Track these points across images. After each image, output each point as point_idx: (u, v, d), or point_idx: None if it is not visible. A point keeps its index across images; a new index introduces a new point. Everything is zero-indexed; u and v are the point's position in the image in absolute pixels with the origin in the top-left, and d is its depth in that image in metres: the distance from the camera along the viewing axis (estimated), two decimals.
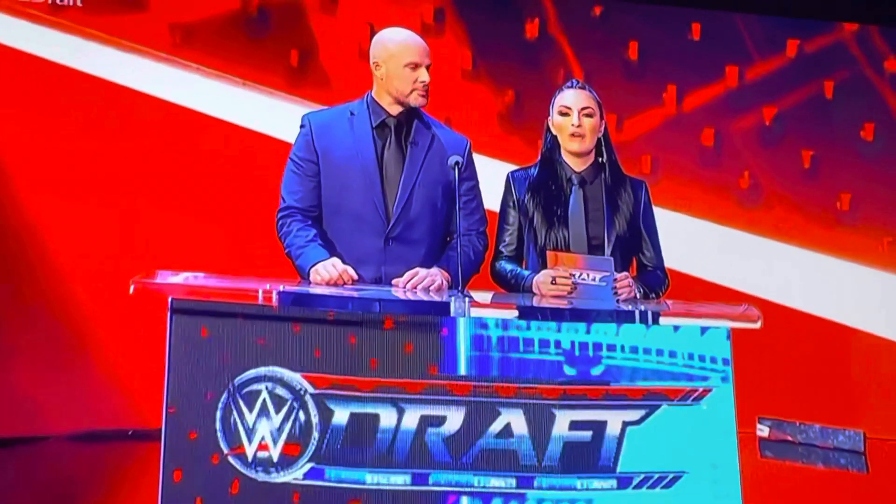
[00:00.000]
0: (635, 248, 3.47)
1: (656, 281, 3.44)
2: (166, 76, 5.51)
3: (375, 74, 3.38)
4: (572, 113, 3.39)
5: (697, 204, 6.09)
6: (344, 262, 3.21)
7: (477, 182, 3.51)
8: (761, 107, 6.23)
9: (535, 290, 3.25)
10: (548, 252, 3.21)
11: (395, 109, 3.38)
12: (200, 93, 5.53)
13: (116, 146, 5.41)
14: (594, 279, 3.12)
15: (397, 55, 3.33)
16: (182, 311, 2.76)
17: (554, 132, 3.46)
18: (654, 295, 3.38)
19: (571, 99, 3.41)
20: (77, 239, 5.35)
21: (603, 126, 3.45)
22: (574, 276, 3.14)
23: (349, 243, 3.32)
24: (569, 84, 3.46)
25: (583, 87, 3.44)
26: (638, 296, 3.25)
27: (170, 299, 2.76)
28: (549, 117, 3.48)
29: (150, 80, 5.48)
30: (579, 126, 3.37)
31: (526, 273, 3.36)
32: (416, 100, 3.34)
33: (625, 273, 3.24)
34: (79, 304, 5.36)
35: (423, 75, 3.33)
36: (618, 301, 3.15)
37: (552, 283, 3.16)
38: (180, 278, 2.95)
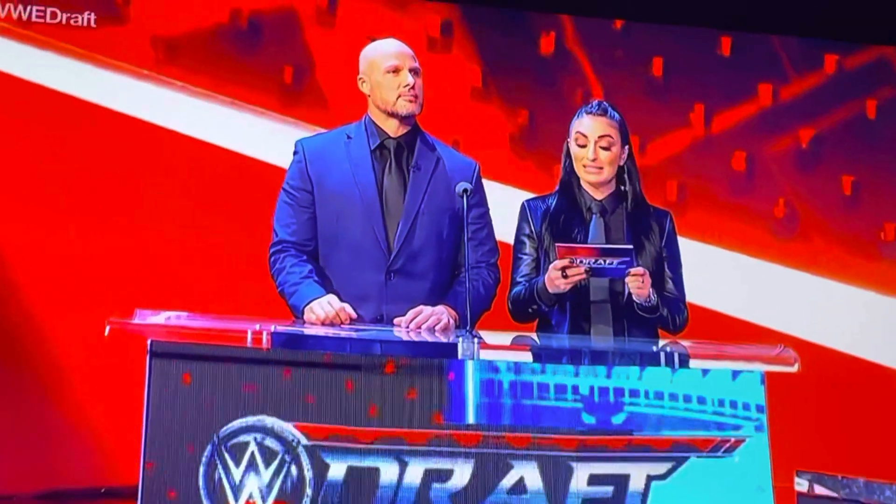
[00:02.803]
0: (660, 283, 3.46)
1: (675, 307, 3.43)
2: (148, 95, 5.53)
3: (364, 92, 3.41)
4: (589, 144, 3.40)
5: (728, 234, 6.09)
6: (342, 299, 3.19)
7: (487, 209, 3.50)
8: (797, 128, 6.24)
9: (549, 287, 3.25)
10: (558, 246, 3.20)
11: (393, 128, 3.37)
12: (185, 113, 5.55)
13: (92, 171, 5.41)
14: (611, 263, 3.13)
15: (376, 63, 3.36)
16: (162, 354, 2.73)
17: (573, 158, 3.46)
18: (668, 317, 3.38)
19: (589, 128, 3.41)
20: (46, 274, 5.32)
21: (626, 152, 3.45)
22: (586, 262, 3.13)
23: (347, 278, 3.30)
24: (588, 108, 3.45)
25: (603, 113, 3.42)
26: (653, 296, 3.26)
27: (149, 342, 2.73)
28: (569, 140, 3.49)
29: (130, 100, 5.50)
30: (595, 160, 3.38)
31: (537, 279, 3.37)
32: (404, 107, 3.33)
33: (644, 269, 3.24)
34: (48, 347, 5.31)
35: (407, 78, 3.32)
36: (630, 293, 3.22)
37: (563, 277, 3.16)
38: (161, 318, 2.92)
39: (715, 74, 6.20)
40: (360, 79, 3.40)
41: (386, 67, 3.33)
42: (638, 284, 3.21)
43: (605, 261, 3.11)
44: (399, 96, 3.32)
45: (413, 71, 3.34)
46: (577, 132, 3.42)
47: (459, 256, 3.36)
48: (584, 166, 3.41)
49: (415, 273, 3.32)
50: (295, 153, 3.42)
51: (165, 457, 2.69)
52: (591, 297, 3.35)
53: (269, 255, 3.36)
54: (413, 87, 3.32)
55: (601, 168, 3.40)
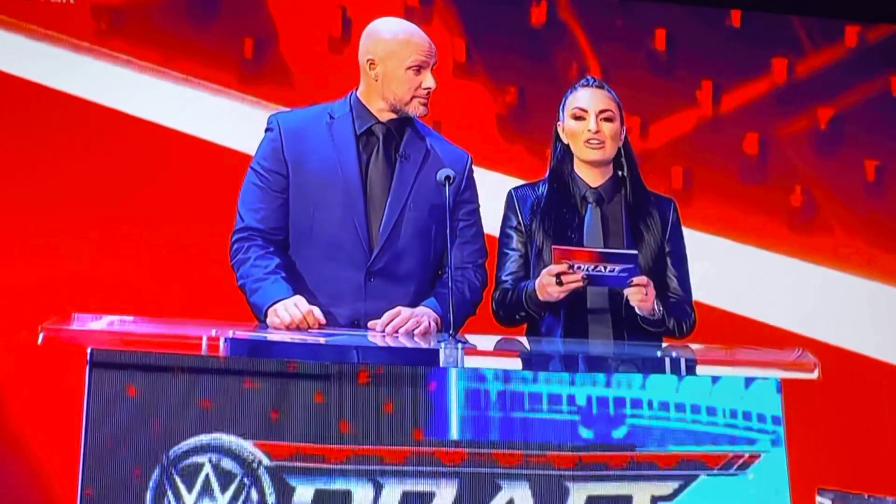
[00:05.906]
0: (662, 281, 3.45)
1: (682, 313, 3.43)
2: (88, 70, 5.47)
3: (368, 73, 3.38)
4: (588, 116, 3.40)
5: (738, 225, 6.09)
6: (313, 300, 3.18)
7: (478, 206, 3.52)
8: (815, 107, 6.24)
9: (540, 295, 3.23)
10: (554, 248, 3.17)
11: (387, 116, 3.37)
12: (131, 91, 5.49)
13: (25, 156, 5.35)
14: (612, 270, 3.09)
15: (399, 54, 3.33)
16: (104, 364, 2.70)
17: (565, 140, 3.48)
18: (675, 327, 3.37)
19: (587, 100, 3.42)
20: None
21: (623, 133, 3.46)
22: (584, 268, 3.09)
23: (322, 277, 3.31)
24: (583, 82, 3.49)
25: (600, 86, 3.47)
26: (657, 309, 3.24)
27: (88, 350, 2.70)
28: (559, 122, 3.51)
29: (67, 76, 5.44)
30: (597, 132, 3.38)
31: (527, 283, 3.35)
32: (416, 109, 3.36)
33: (648, 280, 3.20)
34: None
35: (429, 80, 3.34)
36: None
37: (558, 284, 3.12)
38: (102, 323, 2.93)
39: (724, 48, 6.20)
40: (370, 61, 3.36)
41: (409, 63, 3.33)
42: (641, 297, 3.18)
43: (605, 267, 3.08)
44: (415, 97, 3.34)
45: (432, 70, 3.36)
46: (575, 107, 3.43)
47: (446, 258, 3.34)
48: (586, 141, 3.40)
49: (398, 275, 3.33)
50: (269, 129, 3.40)
51: (107, 481, 2.66)
52: (588, 304, 3.34)
53: (230, 243, 3.36)
54: (431, 91, 3.34)
55: (603, 142, 3.40)
